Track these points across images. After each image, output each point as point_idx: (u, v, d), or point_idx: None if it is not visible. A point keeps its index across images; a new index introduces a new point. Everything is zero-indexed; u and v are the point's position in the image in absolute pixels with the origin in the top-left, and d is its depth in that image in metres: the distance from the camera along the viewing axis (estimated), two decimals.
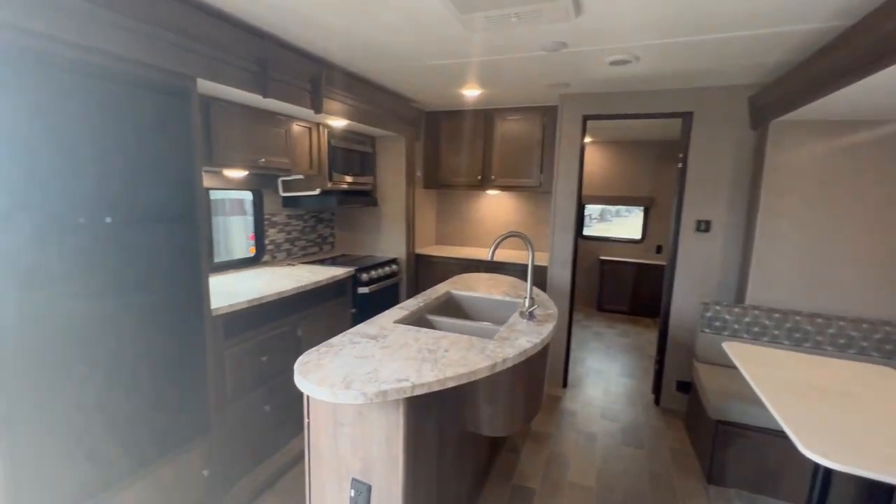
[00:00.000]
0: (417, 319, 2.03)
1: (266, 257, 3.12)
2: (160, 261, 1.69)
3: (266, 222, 3.10)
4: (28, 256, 1.31)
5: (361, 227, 3.78)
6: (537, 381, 1.89)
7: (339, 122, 2.93)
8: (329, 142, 3.00)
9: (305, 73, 2.36)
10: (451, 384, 1.30)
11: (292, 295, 2.42)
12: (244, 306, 2.11)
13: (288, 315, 2.43)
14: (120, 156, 1.53)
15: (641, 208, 5.64)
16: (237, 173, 2.57)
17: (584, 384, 3.48)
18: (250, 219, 3.04)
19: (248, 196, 3.01)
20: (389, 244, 3.68)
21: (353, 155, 3.28)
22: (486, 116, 3.74)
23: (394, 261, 3.54)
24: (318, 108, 2.48)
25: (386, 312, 1.99)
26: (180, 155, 1.74)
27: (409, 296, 3.71)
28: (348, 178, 3.22)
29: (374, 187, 3.65)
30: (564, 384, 3.42)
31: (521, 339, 1.65)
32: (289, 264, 3.14)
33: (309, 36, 2.09)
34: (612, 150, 5.46)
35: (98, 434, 1.52)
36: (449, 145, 3.91)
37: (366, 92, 2.92)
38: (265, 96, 2.11)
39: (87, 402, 1.49)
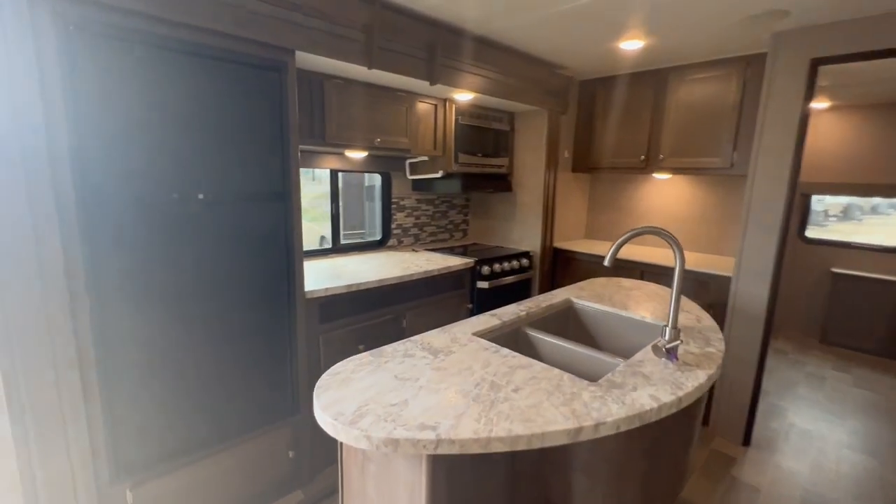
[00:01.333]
0: (511, 333, 1.61)
1: (392, 241, 3.07)
2: (252, 240, 1.69)
3: (394, 206, 3.04)
4: (129, 231, 1.40)
5: (495, 215, 3.44)
6: (672, 454, 1.27)
7: (464, 96, 2.63)
8: (456, 119, 2.74)
9: (419, 38, 2.12)
10: (497, 448, 0.88)
11: (396, 283, 2.26)
12: (341, 291, 2.03)
13: (392, 304, 2.29)
14: (211, 133, 1.54)
15: None
16: (357, 154, 2.53)
17: (778, 447, 2.46)
18: (378, 202, 3.02)
19: (377, 179, 2.99)
20: (524, 235, 3.25)
21: (485, 134, 2.94)
22: (655, 80, 2.92)
23: (525, 254, 3.11)
24: (433, 79, 2.22)
25: (472, 319, 1.63)
26: (274, 133, 1.69)
27: None
28: (477, 160, 2.91)
29: (511, 170, 3.25)
30: (745, 441, 2.48)
31: (643, 390, 1.09)
32: (412, 250, 3.03)
33: None
34: (862, 117, 3.77)
35: (188, 402, 1.61)
36: (605, 119, 3.22)
37: (498, 59, 2.53)
38: (370, 67, 1.95)
39: (184, 367, 1.57)
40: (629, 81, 3.06)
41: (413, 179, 3.02)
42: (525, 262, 3.07)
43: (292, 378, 1.90)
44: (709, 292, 2.59)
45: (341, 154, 2.54)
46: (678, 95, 2.83)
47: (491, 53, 2.48)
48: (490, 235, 3.49)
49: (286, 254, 1.80)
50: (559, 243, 3.34)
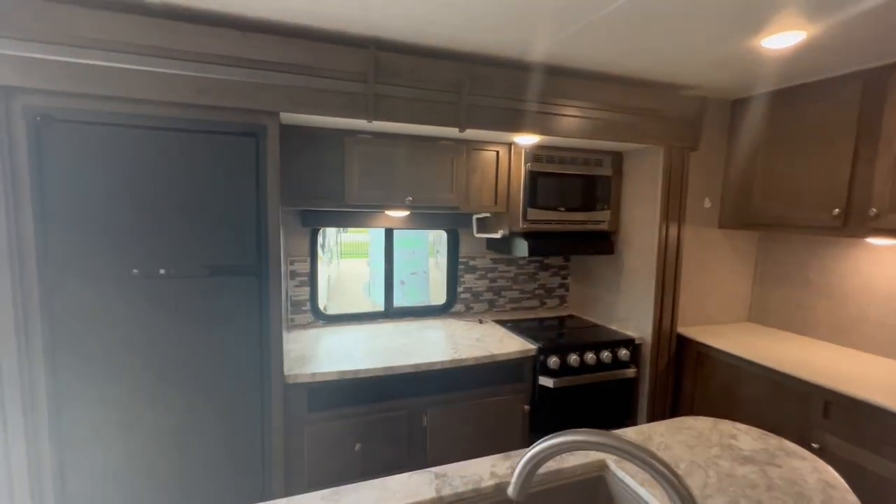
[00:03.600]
0: None
1: (458, 307, 2.65)
2: (220, 317, 1.56)
3: (462, 266, 2.63)
4: (86, 308, 1.42)
5: (598, 282, 2.65)
6: None
7: (527, 140, 2.08)
8: (526, 166, 2.20)
9: (440, 79, 1.73)
10: None
11: (412, 373, 1.84)
12: (333, 378, 1.73)
13: (407, 395, 1.87)
14: (177, 206, 1.48)
15: None
16: (396, 213, 2.24)
17: None
18: (443, 261, 2.66)
19: (442, 236, 2.64)
20: (630, 313, 2.39)
21: (571, 182, 2.30)
22: (862, 87, 1.80)
23: (627, 343, 2.25)
24: (461, 125, 1.79)
25: (396, 479, 1.10)
26: (248, 202, 1.55)
27: (653, 409, 2.28)
28: (557, 216, 2.28)
29: (617, 226, 2.46)
30: None
31: None
32: (479, 320, 2.54)
33: (441, 23, 1.48)
34: None
35: (150, 483, 1.53)
36: (772, 154, 2.16)
37: (568, 88, 1.93)
38: (369, 120, 1.66)
39: (149, 455, 1.51)
40: (812, 93, 1.98)
41: (483, 238, 2.56)
42: (624, 353, 2.22)
43: (264, 471, 1.67)
44: None
45: (380, 213, 2.30)
46: None
47: (558, 83, 1.90)
48: (591, 308, 2.70)
49: (259, 332, 1.61)
50: (688, 329, 2.34)
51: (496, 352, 2.00)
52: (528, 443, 2.10)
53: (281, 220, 1.67)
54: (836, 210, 1.87)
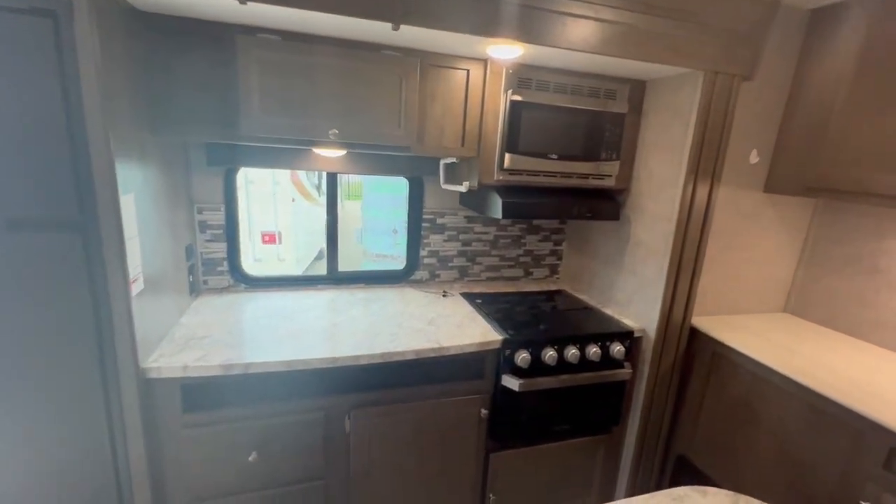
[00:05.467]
0: None
1: (420, 274, 2.15)
2: (28, 290, 1.09)
3: (427, 225, 2.10)
4: None
5: (596, 253, 2.10)
6: None
7: (504, 51, 1.46)
8: (506, 94, 1.59)
9: None
10: None
11: (329, 368, 1.39)
12: (215, 373, 1.29)
13: (326, 394, 1.44)
14: None
15: None
16: (328, 152, 1.69)
17: None
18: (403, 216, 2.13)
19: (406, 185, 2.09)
20: (632, 296, 1.86)
21: (568, 120, 1.69)
22: None
23: (624, 336, 1.75)
24: (396, 17, 1.18)
25: None
26: (54, 119, 1.02)
27: (647, 421, 1.81)
28: (547, 166, 1.69)
29: (627, 184, 1.87)
30: None
31: None
32: (443, 292, 2.06)
33: None
34: None
35: None
36: (861, 89, 1.51)
37: None
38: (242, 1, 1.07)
39: None
40: None
41: (451, 190, 2.01)
42: (619, 349, 1.72)
43: (120, 488, 1.28)
44: None
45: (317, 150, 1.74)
46: None
47: None
48: (586, 284, 2.18)
49: (92, 310, 1.15)
50: (705, 320, 1.81)
51: (447, 343, 1.52)
52: (484, 455, 1.68)
53: (169, 157, 1.16)
54: None
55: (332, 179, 1.99)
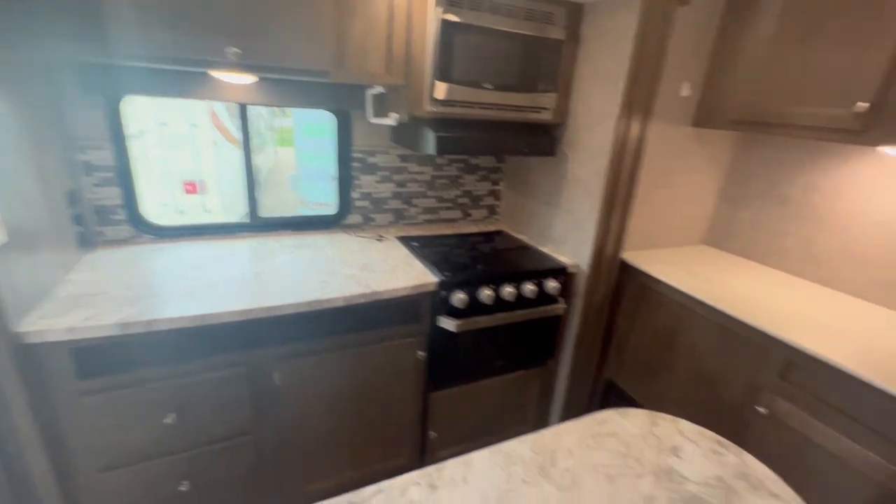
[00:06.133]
0: None
1: (353, 218, 2.03)
2: None
3: (358, 164, 1.95)
4: None
5: (534, 191, 2.08)
6: None
7: None
8: (437, 11, 1.43)
9: None
10: None
11: (246, 320, 1.28)
12: (112, 332, 1.14)
13: (250, 347, 1.33)
14: None
15: None
16: (231, 77, 1.47)
17: None
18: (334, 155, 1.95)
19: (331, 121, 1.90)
20: (568, 234, 1.87)
21: (503, 46, 1.56)
22: None
23: (557, 272, 1.77)
24: None
25: None
26: None
27: (579, 352, 1.89)
28: (483, 97, 1.59)
29: (565, 118, 1.81)
30: None
31: None
32: (378, 237, 1.96)
33: None
34: None
35: None
36: (785, 29, 1.51)
37: None
38: None
39: None
40: None
41: (381, 126, 1.85)
42: (553, 285, 1.74)
43: (9, 464, 1.14)
44: None
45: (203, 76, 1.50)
46: None
47: None
48: (524, 223, 2.17)
49: None
50: (634, 254, 1.88)
51: (380, 287, 1.45)
52: (423, 396, 1.69)
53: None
54: (861, 104, 1.31)
55: (245, 112, 1.75)
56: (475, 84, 1.56)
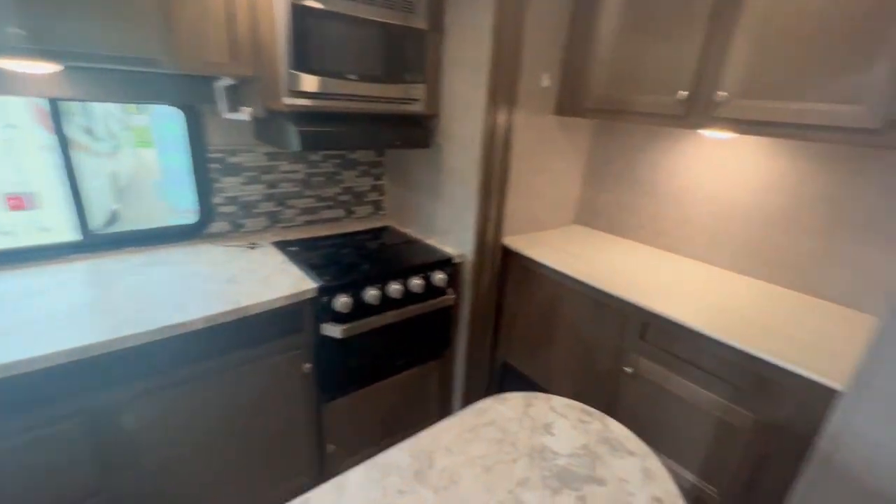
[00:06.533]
0: None
1: (219, 226, 1.82)
2: None
3: (216, 165, 1.74)
4: None
5: (416, 184, 2.06)
6: None
7: None
8: (289, 1, 1.31)
9: None
10: None
11: (70, 362, 1.05)
12: None
13: (89, 391, 1.10)
14: None
15: None
16: (26, 67, 1.20)
17: None
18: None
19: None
20: (451, 225, 1.89)
21: (366, 34, 1.50)
22: None
23: (443, 264, 1.78)
24: None
25: None
26: None
27: (472, 338, 1.93)
28: (348, 87, 1.50)
29: (437, 109, 1.81)
30: None
31: None
32: (249, 244, 1.77)
33: None
34: None
35: None
36: (622, 20, 1.66)
37: None
38: None
39: None
40: None
41: (240, 121, 1.67)
42: (440, 276, 1.74)
43: None
44: (772, 403, 1.22)
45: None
46: None
47: None
48: (410, 217, 2.14)
49: None
50: (514, 239, 1.96)
51: (250, 301, 1.31)
52: (316, 410, 1.58)
53: None
54: (683, 93, 1.50)
55: (56, 109, 1.44)
56: (338, 75, 1.47)
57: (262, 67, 1.35)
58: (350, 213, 2.19)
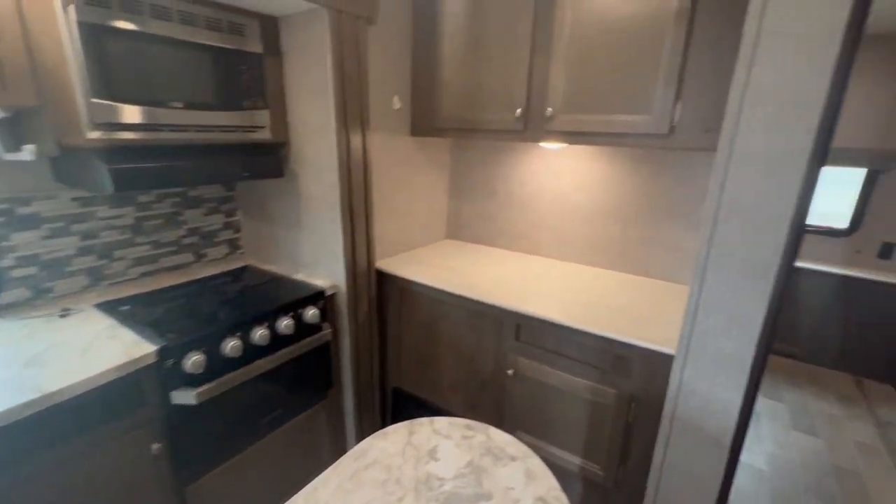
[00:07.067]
0: None
1: (16, 293, 1.43)
2: None
3: (1, 219, 1.38)
4: None
5: (273, 216, 1.91)
6: None
7: None
8: (66, 12, 1.10)
9: None
10: None
11: None
12: None
13: None
14: None
15: (864, 171, 2.99)
16: None
17: None
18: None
19: None
20: (319, 255, 1.79)
21: (187, 58, 1.34)
22: None
23: (315, 298, 1.66)
24: None
25: None
26: None
27: (358, 370, 1.84)
28: (170, 117, 1.32)
29: (286, 135, 1.71)
30: None
31: None
32: (60, 312, 1.43)
33: None
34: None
35: None
36: (457, 43, 1.78)
37: None
38: None
39: None
40: None
41: (30, 161, 1.35)
42: (313, 312, 1.62)
43: None
44: (629, 377, 1.38)
45: None
46: (581, 1, 1.45)
47: None
48: (271, 253, 1.97)
49: None
50: (388, 261, 1.94)
51: (61, 384, 1.04)
52: (178, 494, 1.32)
53: None
54: (519, 110, 1.65)
55: None
56: (159, 103, 1.29)
57: (49, 96, 1.11)
58: (200, 256, 1.92)
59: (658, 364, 1.30)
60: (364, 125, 1.64)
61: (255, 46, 1.51)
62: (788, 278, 1.08)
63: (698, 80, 1.30)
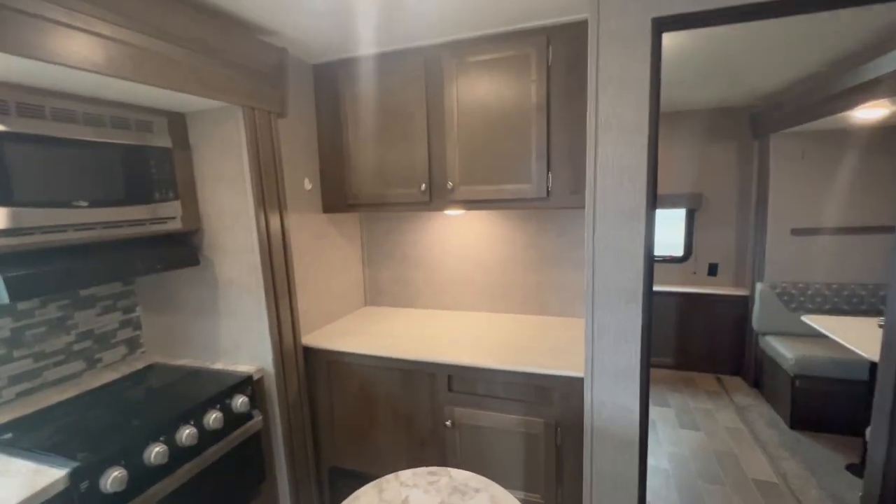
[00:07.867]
0: None
1: None
2: None
3: None
4: None
5: (183, 306, 1.82)
6: None
7: None
8: None
9: None
10: None
11: None
12: None
13: None
14: None
15: (684, 210, 3.83)
16: None
17: None
18: None
19: None
20: (241, 340, 1.74)
21: (92, 157, 1.32)
22: (425, 62, 1.83)
23: (242, 385, 1.60)
24: None
25: None
26: None
27: (292, 455, 1.77)
28: (74, 217, 1.27)
29: (198, 223, 1.70)
30: None
31: None
32: None
33: None
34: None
35: None
36: (361, 129, 2.00)
37: None
38: None
39: None
40: (388, 65, 1.90)
41: None
42: (242, 400, 1.56)
43: None
44: (551, 404, 1.59)
45: None
46: (461, 89, 1.79)
47: None
48: (182, 346, 1.85)
49: None
50: (313, 336, 1.95)
51: None
52: None
53: None
54: (423, 185, 1.89)
55: None
56: (62, 203, 1.24)
57: None
58: (94, 362, 1.72)
59: (572, 387, 1.52)
60: (282, 207, 1.72)
61: (164, 141, 1.54)
62: (650, 299, 1.41)
63: (562, 155, 1.68)
